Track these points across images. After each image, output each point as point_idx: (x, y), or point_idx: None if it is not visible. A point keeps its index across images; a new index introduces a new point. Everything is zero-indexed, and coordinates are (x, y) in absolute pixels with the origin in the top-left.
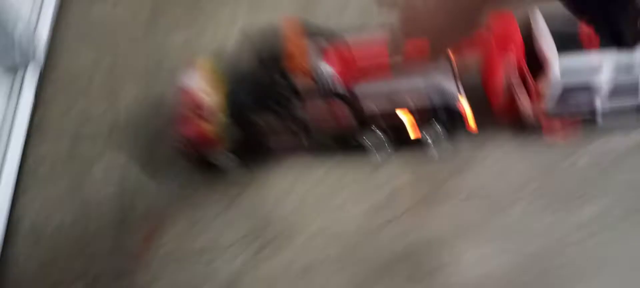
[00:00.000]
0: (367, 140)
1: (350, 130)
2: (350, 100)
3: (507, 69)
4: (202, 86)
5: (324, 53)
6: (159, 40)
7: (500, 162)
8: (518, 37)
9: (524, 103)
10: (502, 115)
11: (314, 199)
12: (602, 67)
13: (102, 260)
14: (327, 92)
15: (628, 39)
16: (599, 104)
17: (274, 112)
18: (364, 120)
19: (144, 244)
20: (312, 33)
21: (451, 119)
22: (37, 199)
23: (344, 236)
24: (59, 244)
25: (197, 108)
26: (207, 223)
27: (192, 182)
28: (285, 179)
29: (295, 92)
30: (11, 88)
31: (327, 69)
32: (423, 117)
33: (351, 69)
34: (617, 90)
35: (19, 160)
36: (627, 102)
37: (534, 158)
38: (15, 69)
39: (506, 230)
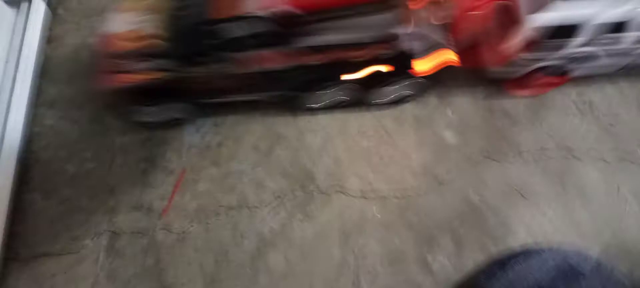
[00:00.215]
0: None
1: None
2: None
3: (478, 14)
4: (134, 27)
5: None
6: None
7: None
8: None
9: (491, 49)
10: (466, 61)
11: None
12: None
13: (125, 210)
14: (263, 38)
15: None
16: (575, 50)
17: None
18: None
19: (172, 195)
20: None
21: (403, 62)
22: (50, 138)
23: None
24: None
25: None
26: (239, 177)
27: (217, 132)
28: (316, 135)
29: (226, 42)
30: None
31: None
32: (376, 56)
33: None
34: (599, 34)
35: (29, 96)
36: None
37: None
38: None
39: None
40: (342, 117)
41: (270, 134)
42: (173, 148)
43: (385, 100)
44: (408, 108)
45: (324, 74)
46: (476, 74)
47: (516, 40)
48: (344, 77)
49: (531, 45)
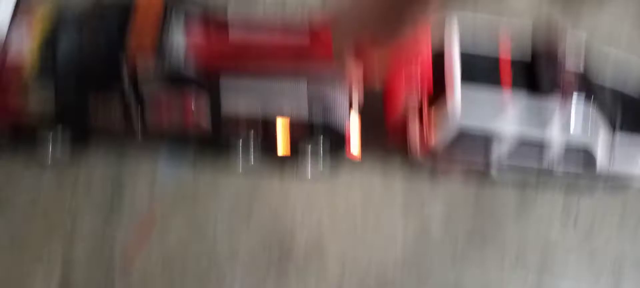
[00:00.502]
0: (228, 141)
1: (201, 129)
2: (205, 90)
3: (409, 88)
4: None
5: (187, 23)
6: None
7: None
8: (426, 53)
9: (414, 134)
10: (394, 139)
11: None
12: (509, 111)
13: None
14: (172, 76)
15: (545, 85)
16: (498, 157)
17: (101, 90)
18: (222, 121)
19: (137, 241)
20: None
21: (332, 140)
22: None
23: None
24: None
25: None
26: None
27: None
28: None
29: (132, 73)
30: None
31: (180, 43)
32: (300, 131)
33: (222, 51)
34: (521, 146)
35: None
36: (529, 162)
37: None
38: None
39: None
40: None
41: (250, 185)
42: (141, 189)
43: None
44: (398, 174)
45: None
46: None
47: (441, 134)
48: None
49: (455, 143)
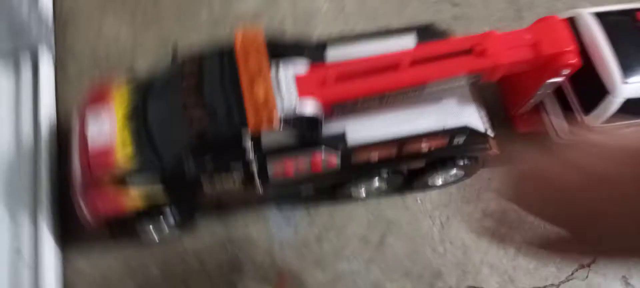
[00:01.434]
0: (357, 188)
1: (333, 178)
2: (340, 147)
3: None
4: (114, 132)
5: (297, 82)
6: None
7: None
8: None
9: (556, 116)
10: (523, 127)
11: None
12: None
13: None
14: (302, 140)
15: None
16: None
17: (217, 165)
18: (353, 162)
19: None
20: (279, 49)
21: (472, 141)
22: None
23: None
24: None
25: (110, 169)
26: None
27: (312, 223)
28: None
29: (256, 144)
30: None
31: (308, 108)
32: (438, 141)
33: (340, 92)
34: None
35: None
36: None
37: None
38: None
39: None
40: (457, 193)
41: (377, 220)
42: (262, 249)
43: (432, 185)
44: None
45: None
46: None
47: (602, 110)
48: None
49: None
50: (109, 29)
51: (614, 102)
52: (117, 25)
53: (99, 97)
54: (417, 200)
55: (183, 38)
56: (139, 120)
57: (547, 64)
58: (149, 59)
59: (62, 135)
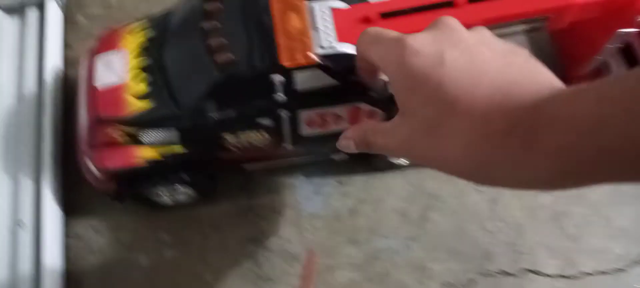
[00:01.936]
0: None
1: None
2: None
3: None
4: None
5: (335, 17)
6: None
7: None
8: None
9: None
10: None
11: None
12: None
13: None
14: (345, 87)
15: None
16: None
17: (243, 110)
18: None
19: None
20: None
21: None
22: None
23: None
24: None
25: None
26: None
27: (345, 194)
28: None
29: (289, 92)
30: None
31: (348, 48)
32: None
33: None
34: None
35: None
36: None
37: None
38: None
39: None
40: None
41: (418, 193)
42: (288, 221)
43: None
44: None
45: None
46: None
47: None
48: None
49: None
50: None
51: None
52: None
53: (109, 41)
54: None
55: None
56: (154, 56)
57: (620, 10)
58: (167, 6)
59: (68, 89)
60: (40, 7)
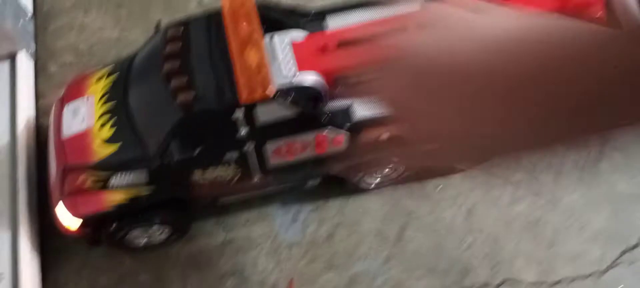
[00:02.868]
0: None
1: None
2: (347, 123)
3: None
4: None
5: (295, 50)
6: None
7: None
8: None
9: None
10: None
11: None
12: None
13: None
14: (308, 116)
15: None
16: None
17: (207, 147)
18: (361, 141)
19: None
20: (272, 17)
21: None
22: None
23: None
24: None
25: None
26: None
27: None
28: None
29: (250, 121)
30: None
31: (308, 78)
32: None
33: (343, 64)
34: None
35: None
36: None
37: None
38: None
39: None
40: (481, 176)
41: (394, 212)
42: (266, 252)
43: (454, 167)
44: (561, 153)
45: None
46: None
47: None
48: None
49: None
50: (92, 23)
51: None
52: (101, 20)
53: (76, 88)
54: (437, 187)
55: None
56: (120, 100)
57: (577, 14)
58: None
59: (42, 138)
60: (12, 58)
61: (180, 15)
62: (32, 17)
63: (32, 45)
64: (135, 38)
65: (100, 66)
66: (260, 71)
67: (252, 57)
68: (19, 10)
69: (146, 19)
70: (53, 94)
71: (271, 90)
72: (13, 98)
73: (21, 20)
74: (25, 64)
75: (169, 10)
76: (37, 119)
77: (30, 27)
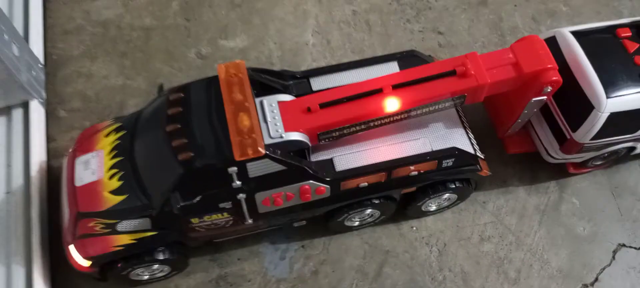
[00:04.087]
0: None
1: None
2: (328, 175)
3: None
4: (104, 175)
5: (282, 110)
6: None
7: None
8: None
9: (544, 136)
10: (514, 148)
11: None
12: None
13: None
14: (290, 168)
15: None
16: None
17: (204, 196)
18: (341, 192)
19: None
20: (262, 80)
21: (461, 163)
22: None
23: None
24: None
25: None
26: None
27: (308, 257)
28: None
29: (242, 175)
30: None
31: (293, 136)
32: (427, 166)
33: (326, 122)
34: None
35: None
36: None
37: None
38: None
39: None
40: (453, 218)
41: (373, 251)
42: (257, 287)
43: (426, 211)
44: (524, 198)
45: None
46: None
47: (589, 126)
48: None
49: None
50: (98, 71)
51: (600, 117)
52: (106, 68)
53: (87, 143)
54: (412, 228)
55: (172, 77)
56: (126, 155)
57: (529, 83)
58: (139, 98)
59: (53, 181)
60: (25, 106)
61: (179, 64)
62: (43, 66)
63: (43, 93)
64: (138, 85)
65: (109, 112)
66: (251, 134)
67: (244, 121)
68: (32, 59)
69: (148, 69)
70: (64, 137)
71: (260, 151)
72: (26, 143)
73: (33, 72)
74: (37, 111)
75: (169, 60)
76: (47, 161)
77: (42, 76)
